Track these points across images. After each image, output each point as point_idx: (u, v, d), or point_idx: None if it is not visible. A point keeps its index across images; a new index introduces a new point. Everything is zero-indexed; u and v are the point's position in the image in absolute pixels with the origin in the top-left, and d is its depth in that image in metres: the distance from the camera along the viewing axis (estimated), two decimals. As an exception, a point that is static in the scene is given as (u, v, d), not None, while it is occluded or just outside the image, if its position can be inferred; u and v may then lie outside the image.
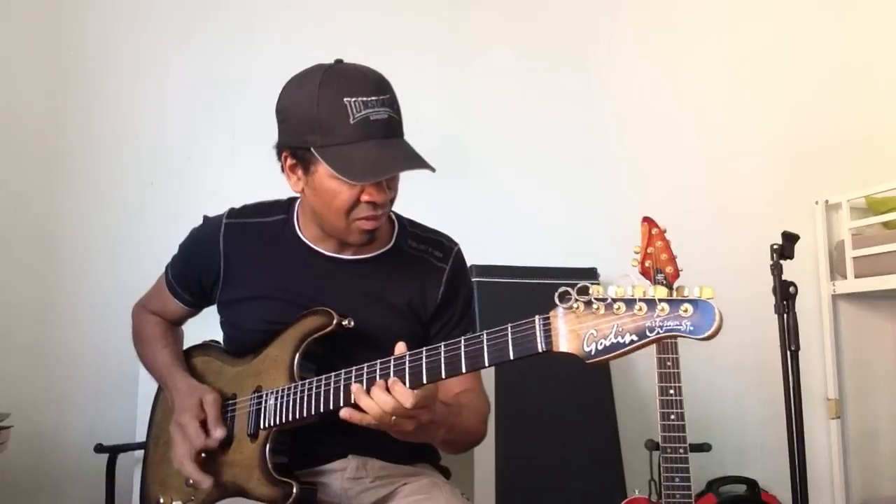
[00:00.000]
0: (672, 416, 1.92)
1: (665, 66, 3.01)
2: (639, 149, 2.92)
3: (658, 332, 0.92)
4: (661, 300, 0.92)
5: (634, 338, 0.93)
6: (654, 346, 1.96)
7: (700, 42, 3.07)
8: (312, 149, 1.25)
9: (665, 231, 2.05)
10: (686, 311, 0.90)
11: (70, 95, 2.47)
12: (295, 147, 1.29)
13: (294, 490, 1.24)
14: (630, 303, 0.94)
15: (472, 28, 2.87)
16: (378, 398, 1.13)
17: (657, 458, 1.98)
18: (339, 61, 1.33)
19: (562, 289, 0.99)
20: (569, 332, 0.98)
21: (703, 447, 2.15)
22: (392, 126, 1.26)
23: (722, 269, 2.80)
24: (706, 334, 0.90)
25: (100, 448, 2.05)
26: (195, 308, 1.56)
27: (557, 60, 2.92)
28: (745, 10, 3.12)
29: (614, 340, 0.94)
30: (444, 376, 1.11)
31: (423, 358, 1.13)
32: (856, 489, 2.87)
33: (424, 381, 1.13)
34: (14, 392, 2.22)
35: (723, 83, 3.05)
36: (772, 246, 2.01)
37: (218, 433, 1.32)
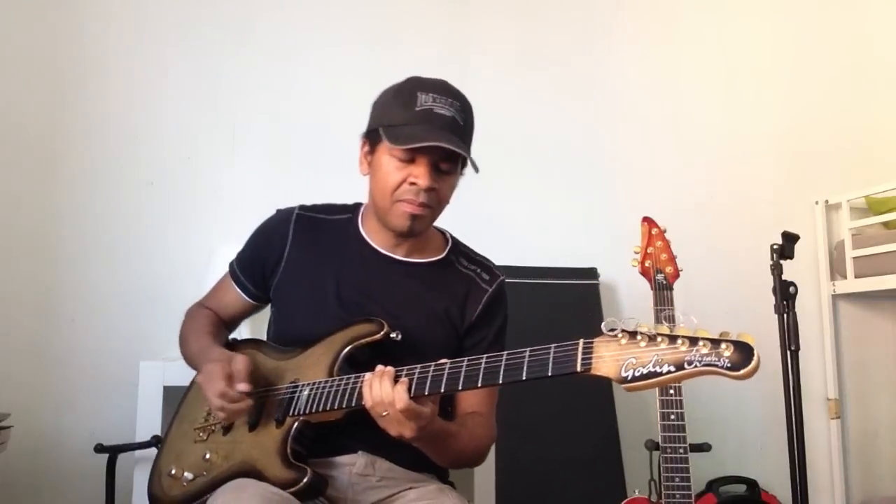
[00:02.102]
0: (672, 416, 1.92)
1: (665, 66, 3.02)
2: (639, 149, 2.92)
3: (696, 366, 0.96)
4: (703, 339, 0.97)
5: (672, 368, 0.97)
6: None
7: (700, 42, 3.07)
8: (380, 129, 1.39)
9: (665, 231, 2.05)
10: (727, 348, 0.95)
11: (69, 95, 2.47)
12: (370, 131, 1.44)
13: (307, 475, 1.25)
14: (673, 339, 0.99)
15: (471, 28, 2.87)
16: (382, 386, 1.19)
17: (657, 458, 1.98)
18: (440, 80, 1.46)
19: (610, 319, 1.05)
20: (609, 357, 1.03)
21: (703, 447, 2.15)
22: (452, 124, 1.37)
23: (722, 269, 2.80)
24: (742, 372, 0.94)
25: (100, 448, 2.04)
26: (254, 300, 1.58)
27: (557, 60, 2.92)
28: (746, 11, 3.12)
29: (652, 369, 0.99)
30: (479, 385, 1.16)
31: (464, 365, 1.18)
32: (856, 489, 2.87)
33: (460, 388, 1.17)
34: (14, 392, 2.22)
35: (723, 83, 3.05)
36: (772, 246, 2.01)
37: (242, 386, 1.32)
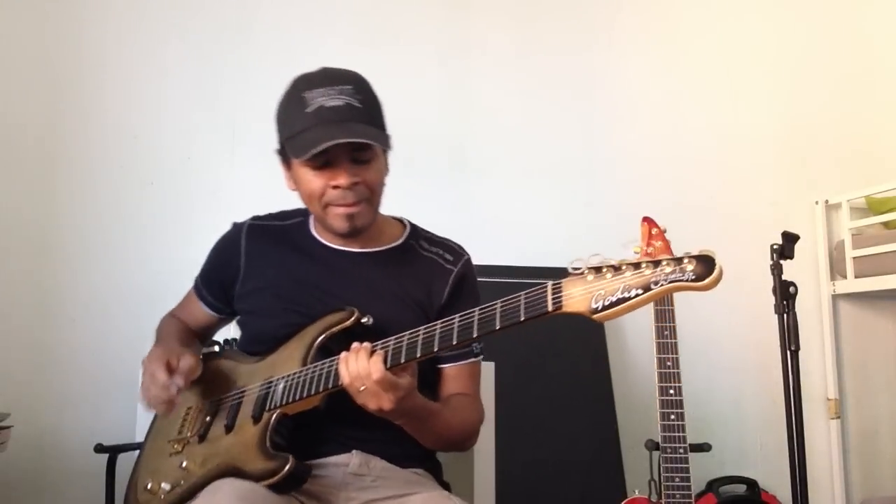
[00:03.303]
0: (672, 416, 1.92)
1: (665, 66, 3.01)
2: (639, 148, 2.92)
3: (662, 285, 0.98)
4: (665, 259, 1.00)
5: (640, 291, 0.99)
6: (654, 347, 1.96)
7: (700, 42, 3.07)
8: (284, 144, 1.37)
9: (665, 231, 2.05)
10: (689, 262, 0.98)
11: (69, 95, 2.47)
12: (279, 149, 1.41)
13: (289, 462, 1.23)
14: (636, 265, 1.01)
15: (472, 28, 2.87)
16: (358, 360, 1.19)
17: (657, 458, 1.98)
18: (322, 69, 1.41)
19: (575, 259, 1.06)
20: (578, 293, 1.04)
21: (703, 447, 2.15)
22: (349, 112, 1.31)
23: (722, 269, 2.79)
24: (707, 281, 0.96)
25: (100, 448, 2.05)
26: (217, 313, 1.59)
27: (558, 60, 2.92)
28: (746, 10, 3.12)
29: (620, 296, 1.00)
30: (454, 342, 1.15)
31: (438, 328, 1.17)
32: (856, 489, 2.87)
33: (436, 349, 1.17)
34: (14, 392, 2.23)
35: (723, 83, 3.05)
36: (772, 246, 2.01)
37: (178, 380, 1.32)
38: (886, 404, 2.95)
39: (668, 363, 1.94)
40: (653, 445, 2.03)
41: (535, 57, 2.91)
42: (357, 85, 1.35)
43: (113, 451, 2.06)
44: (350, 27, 2.73)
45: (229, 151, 2.59)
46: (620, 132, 2.93)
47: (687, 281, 0.97)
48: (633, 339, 2.76)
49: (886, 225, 2.83)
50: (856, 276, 2.78)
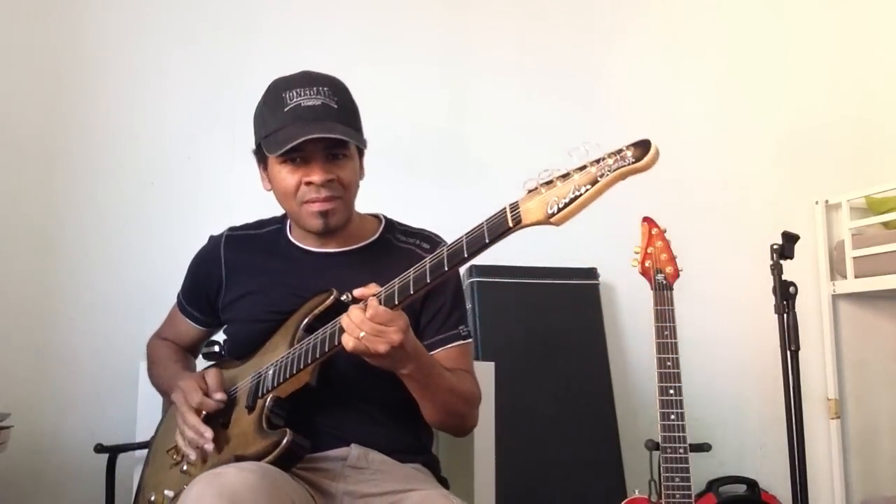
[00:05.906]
0: (672, 416, 1.92)
1: (665, 66, 3.01)
2: (639, 149, 2.92)
3: (607, 175, 1.04)
4: (607, 154, 1.05)
5: (588, 187, 1.05)
6: (654, 347, 1.96)
7: (700, 42, 3.07)
8: (260, 142, 1.43)
9: (665, 231, 2.05)
10: (628, 149, 1.03)
11: (70, 96, 2.47)
12: (255, 148, 1.48)
13: (287, 434, 1.25)
14: (582, 168, 1.07)
15: (472, 28, 2.87)
16: (351, 313, 1.22)
17: (657, 458, 1.98)
18: (302, 72, 1.47)
19: (529, 179, 1.12)
20: (534, 206, 1.09)
21: (703, 447, 2.15)
22: (325, 111, 1.37)
23: (722, 269, 2.80)
24: (646, 160, 1.01)
25: (100, 448, 2.05)
26: (206, 327, 1.63)
27: (558, 60, 2.92)
28: (746, 11, 3.12)
29: (572, 196, 1.06)
30: (428, 280, 1.18)
31: (412, 273, 1.21)
32: (856, 489, 2.87)
33: (412, 291, 1.20)
34: (14, 392, 2.23)
35: (723, 83, 3.05)
36: (772, 246, 2.01)
37: (218, 395, 1.35)
38: (886, 404, 2.95)
39: (668, 363, 1.94)
40: (653, 445, 2.03)
41: (536, 56, 2.91)
42: (336, 87, 1.41)
43: (113, 451, 2.05)
44: (350, 27, 2.72)
45: (230, 152, 2.58)
46: (620, 132, 2.91)
47: (628, 165, 1.01)
48: (633, 339, 2.76)
49: (886, 225, 2.84)
50: (856, 276, 2.78)
